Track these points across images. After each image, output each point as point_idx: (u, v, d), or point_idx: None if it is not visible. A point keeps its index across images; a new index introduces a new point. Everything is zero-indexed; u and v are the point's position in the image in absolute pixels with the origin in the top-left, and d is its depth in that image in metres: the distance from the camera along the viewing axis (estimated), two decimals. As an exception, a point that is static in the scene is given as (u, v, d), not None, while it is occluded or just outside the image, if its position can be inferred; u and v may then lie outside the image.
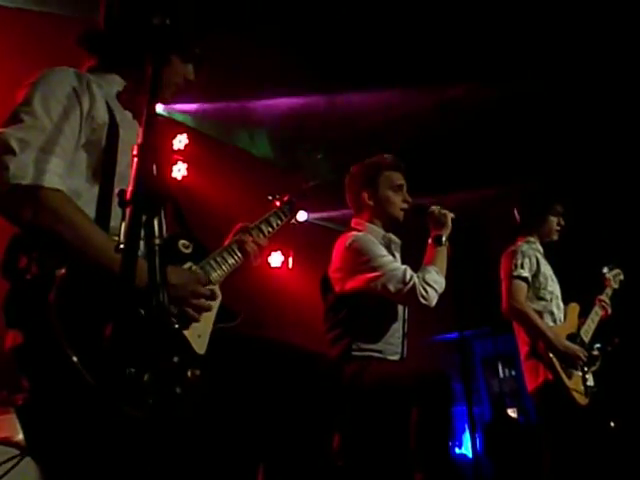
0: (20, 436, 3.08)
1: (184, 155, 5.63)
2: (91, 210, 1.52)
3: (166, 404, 1.02)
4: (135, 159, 1.05)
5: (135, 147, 1.06)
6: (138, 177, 1.01)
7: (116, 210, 1.51)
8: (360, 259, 2.68)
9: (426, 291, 2.54)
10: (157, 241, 1.00)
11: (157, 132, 1.12)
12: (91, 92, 1.58)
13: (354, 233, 2.81)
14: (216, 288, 1.70)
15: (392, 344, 2.71)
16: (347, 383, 2.50)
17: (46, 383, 1.34)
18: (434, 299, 2.58)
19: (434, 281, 2.58)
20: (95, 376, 1.24)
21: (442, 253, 2.68)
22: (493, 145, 5.19)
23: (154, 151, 1.07)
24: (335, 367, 2.45)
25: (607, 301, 3.55)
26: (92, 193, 1.54)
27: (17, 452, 2.57)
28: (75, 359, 1.25)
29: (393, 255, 2.81)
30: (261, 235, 2.01)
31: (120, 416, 1.23)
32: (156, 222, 1.01)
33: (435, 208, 2.72)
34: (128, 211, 0.99)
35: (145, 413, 1.09)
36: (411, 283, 2.55)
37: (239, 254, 1.87)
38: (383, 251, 2.72)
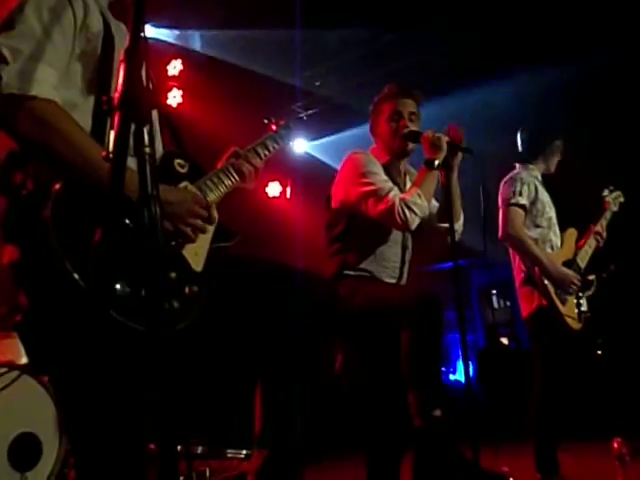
0: (24, 359, 3.15)
1: (179, 81, 5.51)
2: (87, 122, 1.49)
3: (165, 318, 1.02)
4: (122, 64, 1.00)
5: (122, 52, 1.02)
6: (125, 82, 0.97)
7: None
8: (352, 173, 2.72)
9: (404, 213, 2.54)
10: (147, 150, 0.97)
11: (145, 38, 1.07)
12: (85, 1, 1.52)
13: (356, 150, 2.82)
14: (213, 209, 1.69)
15: (386, 267, 2.73)
16: (340, 305, 2.53)
17: (44, 296, 1.35)
18: (413, 222, 2.57)
19: (414, 203, 2.55)
20: (87, 284, 1.24)
21: (431, 177, 2.64)
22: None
23: (142, 56, 1.03)
24: (328, 287, 2.49)
25: (602, 231, 3.54)
26: (88, 105, 1.51)
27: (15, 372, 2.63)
28: (72, 271, 1.25)
29: (400, 184, 2.79)
30: (257, 158, 1.97)
31: (118, 327, 1.24)
32: (145, 130, 0.97)
33: (429, 132, 2.67)
34: (116, 118, 0.96)
35: (144, 325, 1.09)
36: (390, 203, 2.55)
37: (235, 175, 1.84)
38: (376, 169, 2.70)
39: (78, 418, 1.50)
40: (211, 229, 1.65)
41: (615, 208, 3.61)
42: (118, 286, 1.27)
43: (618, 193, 3.66)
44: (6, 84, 1.36)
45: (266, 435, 1.67)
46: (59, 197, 1.33)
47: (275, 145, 2.09)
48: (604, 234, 3.53)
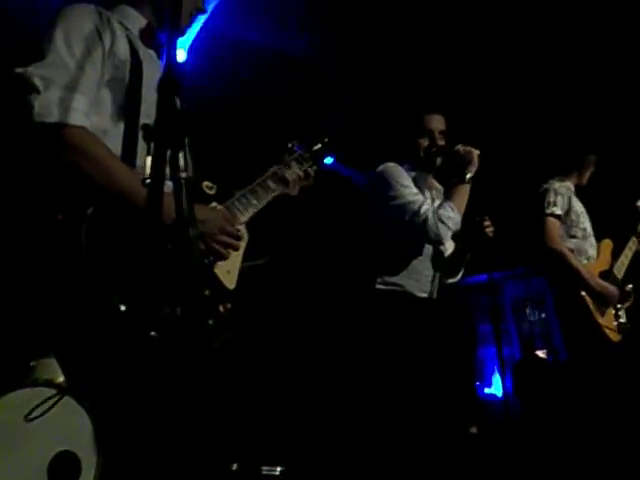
0: (61, 378, 3.21)
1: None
2: (117, 148, 1.52)
3: (200, 336, 1.04)
4: (157, 92, 1.03)
5: (153, 78, 1.05)
6: (161, 110, 1.00)
7: (142, 147, 1.52)
8: (382, 187, 2.74)
9: (437, 227, 2.55)
10: (183, 175, 1.00)
11: (180, 65, 1.10)
12: (112, 29, 1.57)
13: (388, 163, 2.83)
14: (242, 228, 1.71)
15: (418, 281, 2.72)
16: (371, 319, 2.55)
17: (83, 319, 1.37)
18: (446, 236, 2.60)
19: (447, 217, 2.57)
20: (130, 309, 1.26)
21: (463, 190, 2.66)
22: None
23: (177, 84, 1.05)
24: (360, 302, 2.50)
25: None
26: (118, 131, 1.54)
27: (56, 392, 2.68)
28: (111, 295, 1.27)
29: (427, 198, 2.80)
30: (298, 168, 2.01)
31: (157, 348, 1.26)
32: (181, 156, 1.00)
33: (460, 146, 2.68)
34: (152, 144, 0.98)
35: (181, 345, 1.11)
36: (423, 217, 2.57)
37: (275, 186, 1.88)
38: (408, 182, 2.72)
39: (116, 438, 1.52)
40: (242, 247, 1.68)
41: None
42: (158, 307, 1.29)
43: None
44: (37, 113, 1.38)
45: None
46: (93, 220, 1.36)
47: (301, 166, 2.09)
48: None
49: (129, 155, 1.52)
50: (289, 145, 2.22)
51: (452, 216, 2.59)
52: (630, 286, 3.40)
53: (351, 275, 2.93)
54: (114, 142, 1.52)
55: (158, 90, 1.06)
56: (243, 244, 1.69)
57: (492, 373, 7.30)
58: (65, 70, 1.45)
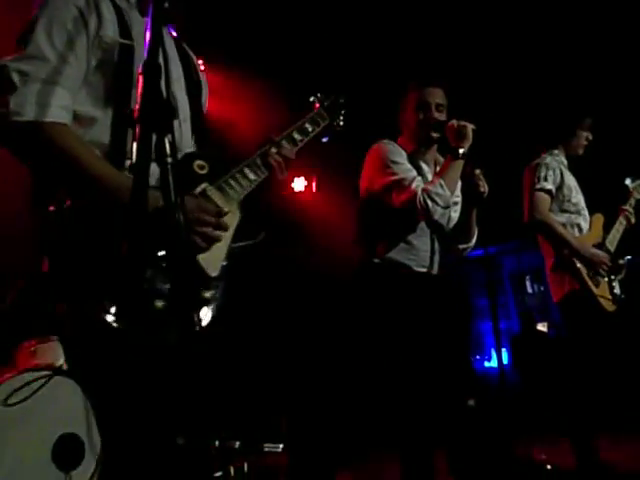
0: (60, 361, 3.23)
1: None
2: (106, 135, 1.47)
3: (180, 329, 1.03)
4: (140, 77, 1.02)
5: (140, 65, 1.03)
6: (145, 94, 0.99)
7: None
8: (377, 164, 2.73)
9: (426, 203, 2.53)
10: (169, 160, 0.99)
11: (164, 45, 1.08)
12: (99, 10, 1.50)
13: (381, 140, 2.81)
14: (234, 208, 1.62)
15: (416, 256, 2.71)
16: (368, 294, 2.56)
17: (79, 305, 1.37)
18: (435, 212, 2.55)
19: (436, 194, 2.54)
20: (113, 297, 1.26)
21: (456, 166, 2.61)
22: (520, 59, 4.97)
23: (161, 68, 1.04)
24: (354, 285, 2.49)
25: (631, 211, 3.52)
26: (107, 117, 1.49)
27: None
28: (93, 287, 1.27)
29: (428, 174, 2.78)
30: (291, 144, 1.84)
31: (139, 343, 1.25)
32: (167, 140, 0.99)
33: (454, 121, 2.65)
34: (137, 130, 0.97)
35: (161, 341, 1.10)
36: (412, 193, 2.54)
37: (262, 168, 1.73)
38: (402, 159, 2.70)
39: (112, 421, 1.51)
40: (232, 229, 1.60)
41: (638, 196, 3.60)
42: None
43: None
44: (12, 112, 1.35)
45: None
46: (71, 213, 1.35)
47: (315, 127, 1.96)
48: (632, 217, 3.51)
49: (119, 141, 1.47)
50: (311, 99, 2.05)
51: (441, 193, 2.55)
52: (628, 257, 3.41)
53: (348, 250, 2.92)
54: (103, 129, 1.48)
55: (142, 74, 1.04)
56: (233, 224, 1.60)
57: (492, 347, 7.37)
58: (45, 63, 1.41)
